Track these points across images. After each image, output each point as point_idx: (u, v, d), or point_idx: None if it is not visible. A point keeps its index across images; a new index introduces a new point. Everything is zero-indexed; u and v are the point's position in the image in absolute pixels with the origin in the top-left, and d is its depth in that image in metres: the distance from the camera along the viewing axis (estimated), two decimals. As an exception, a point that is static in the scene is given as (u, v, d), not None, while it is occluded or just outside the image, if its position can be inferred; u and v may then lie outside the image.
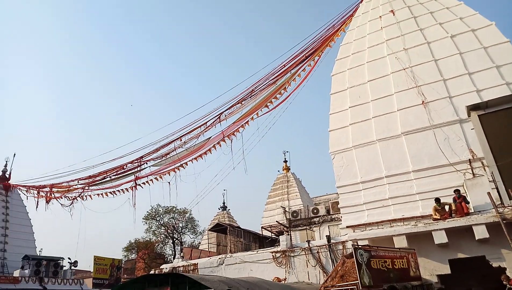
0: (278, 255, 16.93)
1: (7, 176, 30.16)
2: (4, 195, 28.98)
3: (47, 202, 23.41)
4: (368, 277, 8.28)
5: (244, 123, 18.30)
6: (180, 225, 38.08)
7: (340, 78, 16.17)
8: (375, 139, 13.94)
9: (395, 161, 13.31)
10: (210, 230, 25.94)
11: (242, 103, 18.40)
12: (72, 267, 27.30)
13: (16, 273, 24.50)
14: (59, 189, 22.84)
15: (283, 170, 34.30)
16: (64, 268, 27.28)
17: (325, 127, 15.55)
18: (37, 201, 24.47)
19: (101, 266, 32.72)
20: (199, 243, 35.97)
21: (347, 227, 13.44)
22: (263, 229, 24.22)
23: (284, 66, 17.99)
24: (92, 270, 32.58)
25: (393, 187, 13.04)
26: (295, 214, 22.04)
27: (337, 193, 16.76)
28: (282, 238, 17.77)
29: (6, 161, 30.80)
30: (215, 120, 18.34)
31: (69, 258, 27.55)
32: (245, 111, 18.44)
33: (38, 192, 24.83)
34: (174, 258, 35.16)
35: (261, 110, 18.16)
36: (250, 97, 18.47)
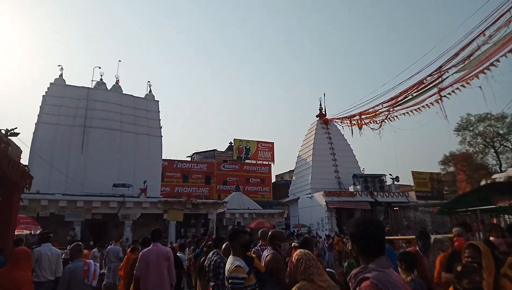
0: None
1: (324, 113, 36.57)
2: (326, 128, 35.50)
3: (360, 128, 26.46)
4: None
5: None
6: (501, 132, 33.02)
7: None
8: None
9: None
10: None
11: None
12: (395, 182, 30.19)
13: (351, 189, 29.91)
14: (367, 116, 25.23)
15: None
16: (387, 183, 30.63)
17: None
18: (351, 129, 28.15)
19: (420, 180, 34.25)
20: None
21: None
22: None
23: None
24: (412, 184, 34.77)
25: None
26: None
27: None
28: None
29: (320, 101, 37.26)
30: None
31: (390, 174, 30.64)
32: None
33: (350, 121, 28.45)
34: (500, 167, 31.47)
35: None
36: None
